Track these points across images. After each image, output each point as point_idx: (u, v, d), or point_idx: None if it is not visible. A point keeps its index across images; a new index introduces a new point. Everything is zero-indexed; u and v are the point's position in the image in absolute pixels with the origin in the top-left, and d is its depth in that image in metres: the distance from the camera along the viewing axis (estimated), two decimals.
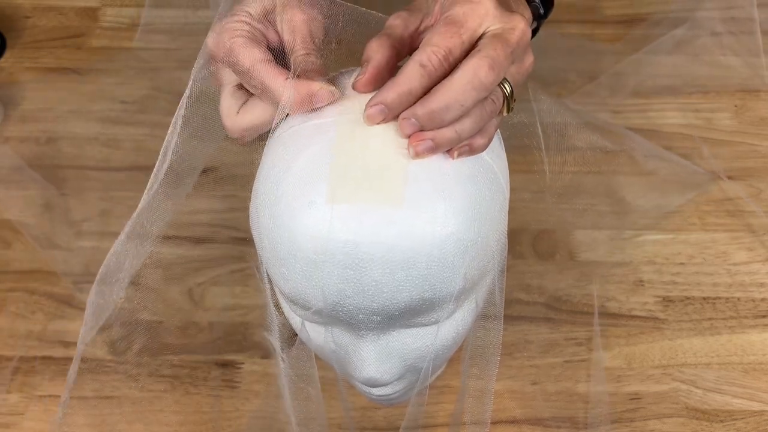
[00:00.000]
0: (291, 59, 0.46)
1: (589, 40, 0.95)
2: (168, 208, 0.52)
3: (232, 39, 0.46)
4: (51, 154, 0.86)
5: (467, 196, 0.44)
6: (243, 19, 0.47)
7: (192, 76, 0.50)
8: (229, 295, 0.77)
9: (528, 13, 0.50)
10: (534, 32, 0.53)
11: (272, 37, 0.48)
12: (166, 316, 0.75)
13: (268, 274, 0.48)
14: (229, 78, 0.48)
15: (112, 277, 0.52)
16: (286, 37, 0.47)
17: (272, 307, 0.49)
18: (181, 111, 0.50)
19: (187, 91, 0.50)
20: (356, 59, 0.47)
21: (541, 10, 0.53)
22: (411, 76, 0.42)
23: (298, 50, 0.47)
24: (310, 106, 0.45)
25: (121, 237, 0.51)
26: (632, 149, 0.85)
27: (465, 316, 0.49)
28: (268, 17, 0.48)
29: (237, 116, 0.48)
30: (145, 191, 0.50)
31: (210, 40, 0.47)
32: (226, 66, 0.47)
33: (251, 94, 0.48)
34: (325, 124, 0.45)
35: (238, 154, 0.50)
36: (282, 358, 0.51)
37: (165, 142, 0.50)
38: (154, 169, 0.50)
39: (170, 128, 0.50)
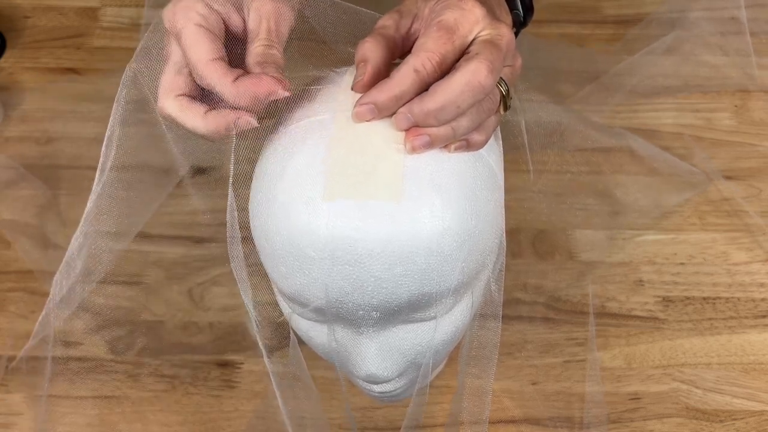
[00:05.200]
0: (250, 47, 0.45)
1: (581, 47, 0.95)
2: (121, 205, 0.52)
3: (185, 24, 0.43)
4: (51, 154, 0.86)
5: (463, 190, 0.44)
6: None
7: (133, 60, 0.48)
8: (229, 295, 0.77)
9: (509, 20, 0.51)
10: None
11: (235, 20, 0.46)
12: (166, 316, 0.75)
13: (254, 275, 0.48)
14: (177, 54, 0.45)
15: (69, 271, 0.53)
16: (251, 25, 0.45)
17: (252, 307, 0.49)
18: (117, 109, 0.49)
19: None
20: (339, 58, 0.47)
21: (521, 19, 0.54)
22: (404, 80, 0.42)
23: (261, 41, 0.45)
24: (263, 102, 0.43)
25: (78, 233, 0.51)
26: (630, 148, 0.85)
27: (463, 311, 0.49)
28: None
29: (170, 99, 0.45)
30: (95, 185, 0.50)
31: (166, 14, 0.45)
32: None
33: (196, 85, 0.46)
34: (320, 121, 0.45)
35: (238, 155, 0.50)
36: (268, 358, 0.51)
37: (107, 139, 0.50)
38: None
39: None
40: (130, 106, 0.49)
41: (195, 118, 0.44)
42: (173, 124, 0.45)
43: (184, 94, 0.45)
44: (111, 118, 0.49)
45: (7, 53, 0.95)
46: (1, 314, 0.76)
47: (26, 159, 0.85)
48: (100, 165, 0.50)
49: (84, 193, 0.82)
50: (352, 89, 0.45)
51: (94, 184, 0.51)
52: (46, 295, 0.76)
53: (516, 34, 0.54)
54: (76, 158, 0.86)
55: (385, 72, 0.44)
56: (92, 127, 0.89)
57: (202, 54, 0.43)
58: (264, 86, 0.42)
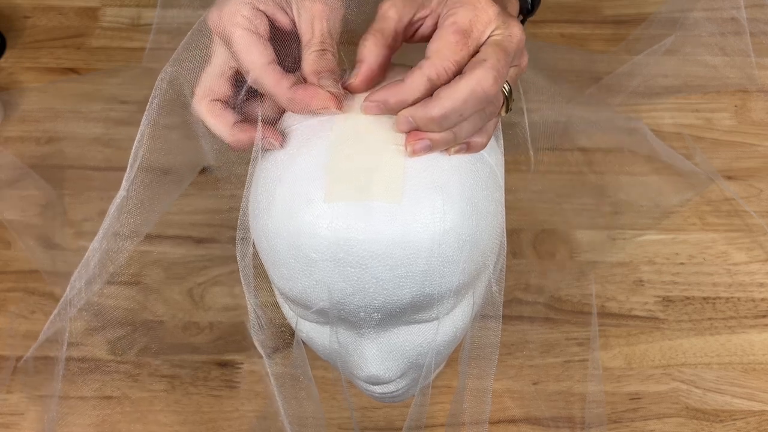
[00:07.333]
0: (305, 54, 0.45)
1: (582, 49, 0.95)
2: (142, 207, 0.52)
3: (232, 30, 0.44)
4: (51, 154, 0.86)
5: (464, 191, 0.44)
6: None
7: (161, 74, 0.49)
8: (229, 295, 0.77)
9: (516, 8, 0.51)
10: None
11: (281, 18, 0.46)
12: (166, 316, 0.75)
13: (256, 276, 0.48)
14: (221, 57, 0.46)
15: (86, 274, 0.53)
16: (303, 27, 0.45)
17: (256, 310, 0.49)
18: (151, 108, 0.49)
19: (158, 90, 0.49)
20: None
21: (529, 6, 0.54)
22: (417, 87, 0.42)
23: (314, 45, 0.45)
24: (314, 113, 0.45)
25: (99, 236, 0.51)
26: (632, 148, 0.85)
27: (464, 311, 0.49)
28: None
29: (205, 102, 0.46)
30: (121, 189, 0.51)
31: (212, 17, 0.45)
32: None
33: (240, 88, 0.47)
34: (322, 122, 0.45)
35: (239, 154, 0.50)
36: (268, 359, 0.51)
37: (136, 142, 0.50)
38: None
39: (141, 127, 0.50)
40: (162, 110, 0.49)
41: (222, 126, 0.46)
42: (202, 125, 0.47)
43: (219, 99, 0.46)
44: (143, 122, 0.50)
45: (7, 53, 0.95)
46: (1, 314, 0.76)
47: (26, 159, 0.85)
48: (129, 167, 0.50)
49: (85, 193, 0.84)
50: (345, 88, 0.45)
51: (123, 183, 0.51)
52: (46, 295, 0.77)
53: (522, 22, 0.54)
54: (76, 158, 0.86)
55: (378, 73, 0.44)
56: (93, 127, 0.89)
57: (256, 58, 0.44)
58: (318, 101, 0.43)
